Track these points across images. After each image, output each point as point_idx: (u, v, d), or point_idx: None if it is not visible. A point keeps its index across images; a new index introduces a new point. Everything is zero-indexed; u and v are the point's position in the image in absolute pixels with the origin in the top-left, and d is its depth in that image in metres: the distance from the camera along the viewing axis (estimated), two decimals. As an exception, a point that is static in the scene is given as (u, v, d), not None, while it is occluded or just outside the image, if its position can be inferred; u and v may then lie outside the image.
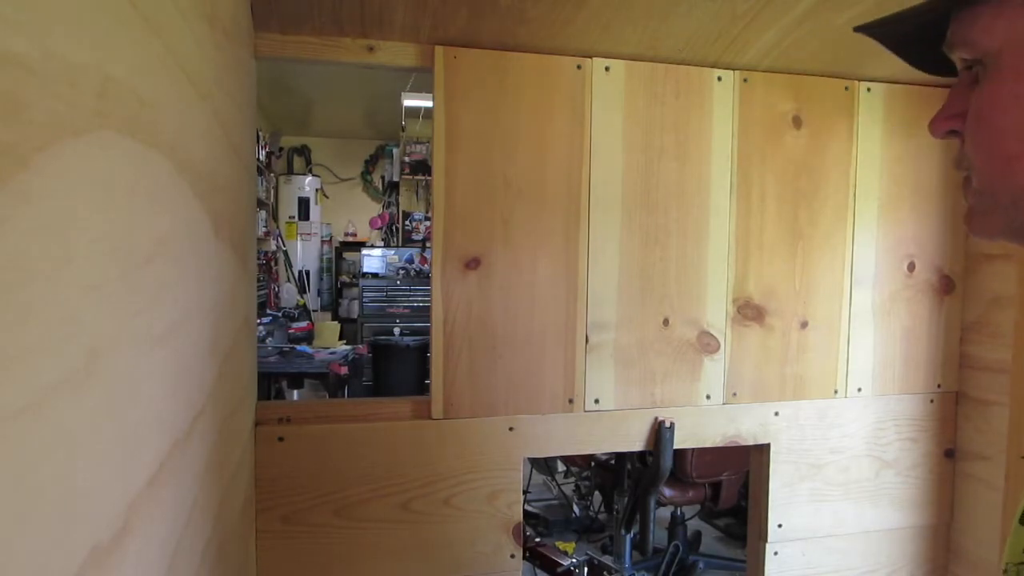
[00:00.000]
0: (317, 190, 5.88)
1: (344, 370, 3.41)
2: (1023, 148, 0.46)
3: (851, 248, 1.30)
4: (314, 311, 5.31)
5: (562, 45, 1.12)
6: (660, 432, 1.21)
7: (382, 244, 5.86)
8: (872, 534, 1.34)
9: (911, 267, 1.34)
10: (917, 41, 0.54)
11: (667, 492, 2.53)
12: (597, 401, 1.19)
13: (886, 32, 0.56)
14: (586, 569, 1.85)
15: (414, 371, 4.32)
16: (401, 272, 4.97)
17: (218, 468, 0.70)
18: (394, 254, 5.14)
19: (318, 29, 1.05)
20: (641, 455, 1.52)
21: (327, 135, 6.27)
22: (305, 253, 5.78)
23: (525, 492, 1.29)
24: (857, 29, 0.57)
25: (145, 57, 0.42)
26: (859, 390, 1.32)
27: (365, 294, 4.79)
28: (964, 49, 0.49)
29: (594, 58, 1.16)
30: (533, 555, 1.88)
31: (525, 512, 1.20)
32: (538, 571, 1.87)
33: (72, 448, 0.31)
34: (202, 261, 0.61)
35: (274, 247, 5.39)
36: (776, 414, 1.28)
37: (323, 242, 6.05)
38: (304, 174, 5.95)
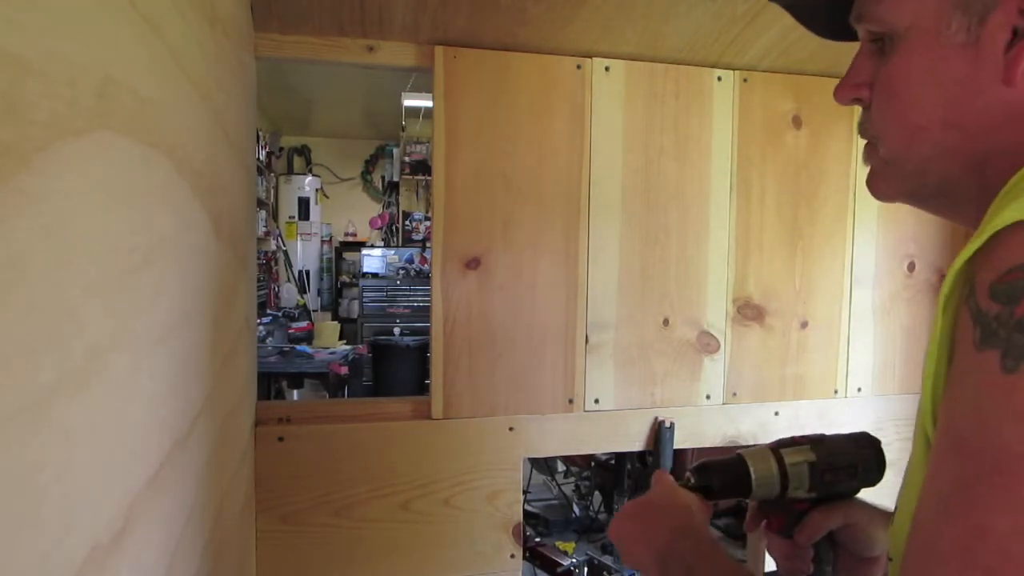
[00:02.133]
0: (317, 190, 5.88)
1: (344, 370, 3.41)
2: (929, 120, 0.48)
3: (851, 248, 1.30)
4: (314, 311, 5.31)
5: (562, 45, 1.12)
6: (660, 432, 1.21)
7: (382, 244, 5.85)
8: (872, 534, 1.34)
9: (911, 267, 1.34)
10: (824, 11, 0.57)
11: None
12: (597, 401, 1.19)
13: (796, 2, 0.59)
14: (586, 569, 1.85)
15: (414, 371, 4.32)
16: (401, 272, 4.97)
17: (218, 468, 0.70)
18: (394, 254, 5.14)
19: (318, 29, 1.05)
20: (641, 455, 1.52)
21: (327, 135, 6.26)
22: (305, 253, 5.77)
23: (525, 492, 1.29)
24: None
25: (145, 57, 0.42)
26: (859, 390, 1.32)
27: (365, 294, 4.79)
28: (873, 23, 0.51)
29: (594, 58, 1.16)
30: (533, 555, 1.88)
31: (525, 512, 1.20)
32: (538, 571, 1.87)
33: (72, 448, 0.31)
34: (202, 261, 0.61)
35: (274, 247, 5.39)
36: (776, 414, 1.28)
37: (323, 242, 6.04)
38: (304, 174, 5.94)
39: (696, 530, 0.65)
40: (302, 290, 5.37)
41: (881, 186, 0.55)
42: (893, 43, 0.49)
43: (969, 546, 0.34)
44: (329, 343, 3.94)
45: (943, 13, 0.46)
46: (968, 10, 0.45)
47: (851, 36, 0.56)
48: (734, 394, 1.26)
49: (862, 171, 1.43)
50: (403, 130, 5.21)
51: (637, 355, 1.21)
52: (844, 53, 0.57)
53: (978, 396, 0.35)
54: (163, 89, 0.46)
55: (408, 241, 5.69)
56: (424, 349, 4.25)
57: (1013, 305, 0.34)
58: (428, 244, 4.56)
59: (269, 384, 3.63)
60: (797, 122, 1.25)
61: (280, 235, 5.50)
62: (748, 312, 1.26)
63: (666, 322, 1.22)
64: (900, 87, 0.49)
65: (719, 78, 1.22)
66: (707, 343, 1.24)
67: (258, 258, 4.88)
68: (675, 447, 1.23)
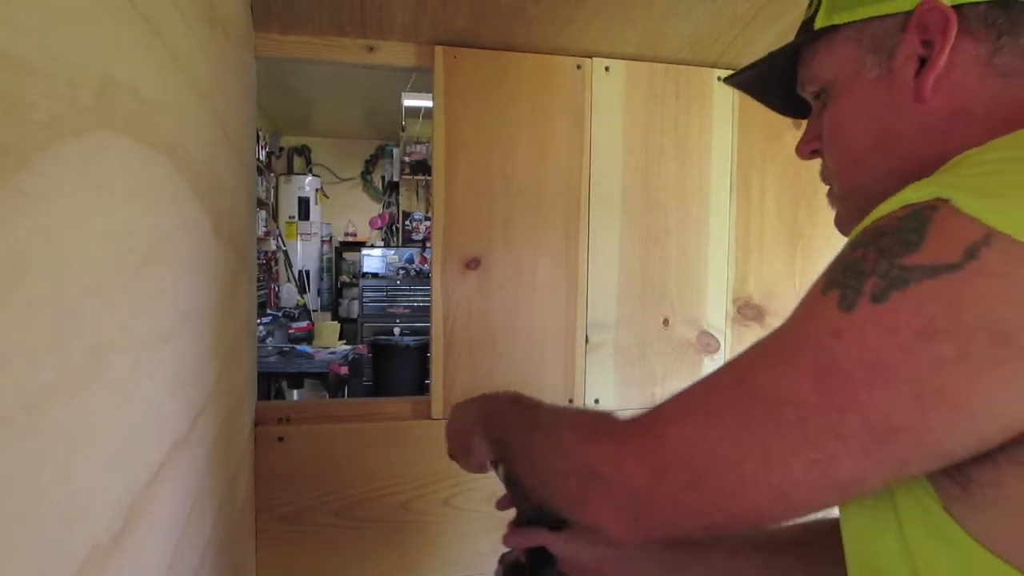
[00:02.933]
0: (317, 190, 5.87)
1: (344, 370, 3.41)
2: (863, 148, 0.55)
3: (851, 248, 1.30)
4: (314, 311, 5.30)
5: (562, 45, 1.12)
6: (660, 432, 1.21)
7: (382, 244, 5.85)
8: (872, 534, 1.34)
9: (911, 267, 1.34)
10: (776, 89, 0.66)
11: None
12: (597, 401, 1.19)
13: (748, 81, 0.69)
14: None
15: (414, 371, 4.32)
16: (401, 272, 4.97)
17: (218, 468, 0.70)
18: (394, 254, 5.14)
19: (318, 29, 1.05)
20: (641, 455, 1.53)
21: (327, 135, 6.26)
22: (305, 253, 5.77)
23: (525, 492, 1.29)
24: (726, 81, 0.70)
25: (145, 57, 0.42)
26: (859, 390, 1.32)
27: (365, 294, 4.78)
28: (811, 84, 0.60)
29: (594, 58, 1.16)
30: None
31: (525, 512, 1.20)
32: None
33: (72, 448, 0.31)
34: (202, 261, 0.61)
35: (274, 247, 5.38)
36: (776, 414, 1.28)
37: (323, 242, 6.03)
38: (304, 174, 5.94)
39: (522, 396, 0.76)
40: (302, 290, 5.37)
41: (844, 225, 0.62)
42: (828, 94, 0.58)
43: (744, 378, 0.45)
44: (329, 343, 3.94)
45: (859, 57, 0.54)
46: (878, 50, 0.53)
47: (808, 112, 0.64)
48: (734, 394, 1.26)
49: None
50: (403, 130, 5.21)
51: (637, 355, 1.21)
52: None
53: (805, 299, 0.45)
54: (163, 89, 0.46)
55: (408, 241, 5.69)
56: (424, 349, 4.25)
57: (852, 251, 0.42)
58: (428, 244, 4.56)
59: (269, 384, 3.63)
60: (797, 122, 1.25)
61: (280, 235, 5.49)
62: (748, 312, 1.26)
63: (666, 322, 1.22)
64: (837, 127, 0.58)
65: (719, 78, 1.21)
66: (707, 343, 1.24)
67: (258, 258, 4.87)
68: (675, 447, 1.23)
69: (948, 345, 0.37)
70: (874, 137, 0.54)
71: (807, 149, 0.63)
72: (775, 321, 1.27)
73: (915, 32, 0.50)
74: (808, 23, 0.60)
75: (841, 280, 0.42)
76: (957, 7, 0.49)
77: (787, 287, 1.28)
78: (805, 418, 0.41)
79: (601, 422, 0.56)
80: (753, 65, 0.66)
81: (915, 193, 0.41)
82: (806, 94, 0.62)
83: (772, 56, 0.64)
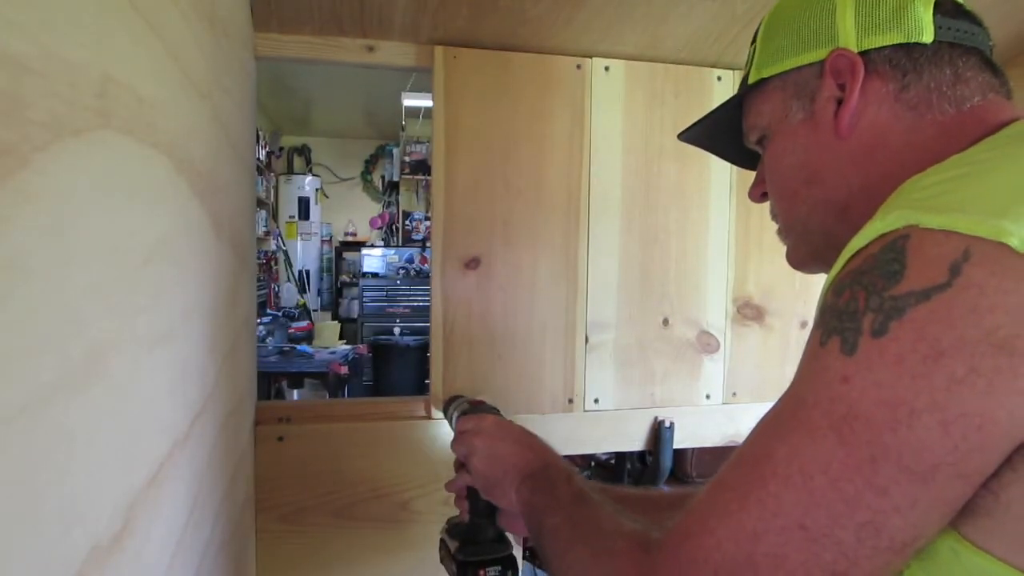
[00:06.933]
0: (317, 190, 5.87)
1: (344, 370, 3.41)
2: (796, 183, 0.61)
3: (851, 248, 1.30)
4: (314, 311, 5.30)
5: (562, 45, 1.12)
6: (660, 432, 1.21)
7: (382, 244, 5.85)
8: (872, 534, 1.33)
9: (911, 267, 1.34)
10: (730, 144, 0.72)
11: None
12: (597, 401, 1.19)
13: (701, 137, 0.76)
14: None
15: (414, 371, 4.32)
16: (401, 272, 4.97)
17: (218, 468, 0.70)
18: (394, 254, 5.14)
19: (318, 29, 1.05)
20: (641, 455, 1.52)
21: (327, 135, 6.25)
22: (305, 253, 5.76)
23: (525, 492, 1.29)
24: (680, 137, 0.78)
25: (145, 57, 0.42)
26: (859, 390, 1.32)
27: (365, 294, 4.78)
28: (752, 132, 0.66)
29: (594, 58, 1.16)
30: (533, 555, 1.88)
31: (525, 512, 1.20)
32: (538, 571, 1.87)
33: (72, 448, 0.31)
34: (202, 261, 0.61)
35: (274, 247, 5.38)
36: (776, 414, 1.28)
37: (323, 242, 6.03)
38: (304, 174, 5.93)
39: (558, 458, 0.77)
40: (302, 290, 5.37)
41: (792, 256, 0.67)
42: (766, 140, 0.64)
43: (759, 459, 0.43)
44: (329, 343, 3.94)
45: (786, 104, 0.61)
46: (801, 96, 0.60)
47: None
48: (734, 394, 1.26)
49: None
50: (403, 130, 5.21)
51: (637, 355, 1.21)
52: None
53: (804, 361, 0.45)
54: (163, 89, 0.46)
55: (408, 241, 5.68)
56: (424, 349, 4.24)
57: (838, 297, 0.43)
58: (428, 244, 4.56)
59: (269, 384, 3.63)
60: (797, 122, 1.26)
61: (280, 235, 5.49)
62: (748, 312, 1.26)
63: (666, 322, 1.22)
64: (774, 167, 0.64)
65: (719, 78, 1.22)
66: (707, 343, 1.24)
67: (258, 258, 4.87)
68: (675, 447, 1.23)
69: (957, 363, 0.36)
70: (805, 172, 0.60)
71: (757, 192, 0.69)
72: (775, 321, 1.27)
73: (830, 77, 0.57)
74: (744, 80, 0.67)
75: (837, 326, 0.41)
76: (863, 53, 0.55)
77: (787, 287, 1.28)
78: (837, 479, 0.39)
79: (640, 550, 0.51)
80: (701, 120, 0.74)
81: (881, 223, 0.41)
82: (751, 144, 0.68)
83: (717, 111, 0.71)
